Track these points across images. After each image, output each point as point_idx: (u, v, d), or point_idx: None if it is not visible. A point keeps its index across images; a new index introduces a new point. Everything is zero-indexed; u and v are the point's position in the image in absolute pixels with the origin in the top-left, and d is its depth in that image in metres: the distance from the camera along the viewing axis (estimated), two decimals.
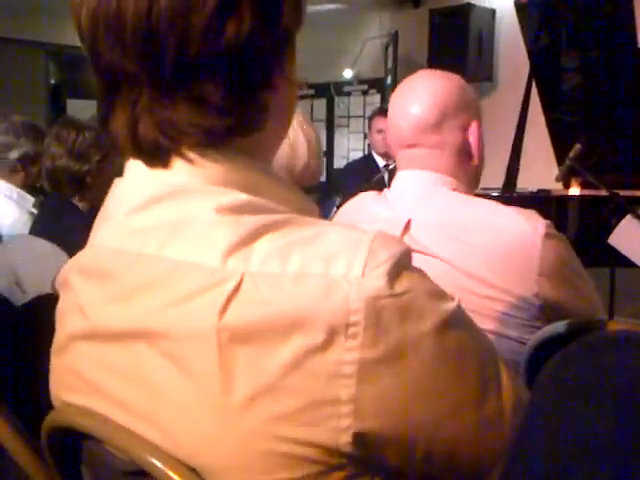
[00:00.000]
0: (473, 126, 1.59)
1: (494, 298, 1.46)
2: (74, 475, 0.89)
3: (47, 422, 0.87)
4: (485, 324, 1.43)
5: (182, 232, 0.75)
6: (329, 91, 7.66)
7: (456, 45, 6.01)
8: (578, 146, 3.49)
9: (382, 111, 5.54)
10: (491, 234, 1.48)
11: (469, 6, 6.07)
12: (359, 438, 0.70)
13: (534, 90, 4.28)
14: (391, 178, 1.72)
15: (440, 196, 1.56)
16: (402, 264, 0.72)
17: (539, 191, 4.27)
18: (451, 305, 0.75)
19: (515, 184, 4.18)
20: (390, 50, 6.76)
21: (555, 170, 3.84)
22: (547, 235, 1.46)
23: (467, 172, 1.62)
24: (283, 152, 1.64)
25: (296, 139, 1.73)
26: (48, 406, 0.88)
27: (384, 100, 6.96)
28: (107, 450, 0.81)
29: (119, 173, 0.85)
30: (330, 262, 0.70)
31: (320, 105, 7.66)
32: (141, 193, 0.79)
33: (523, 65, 4.40)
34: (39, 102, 7.37)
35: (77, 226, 2.12)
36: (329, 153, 7.48)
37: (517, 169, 4.19)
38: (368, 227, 0.76)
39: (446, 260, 1.48)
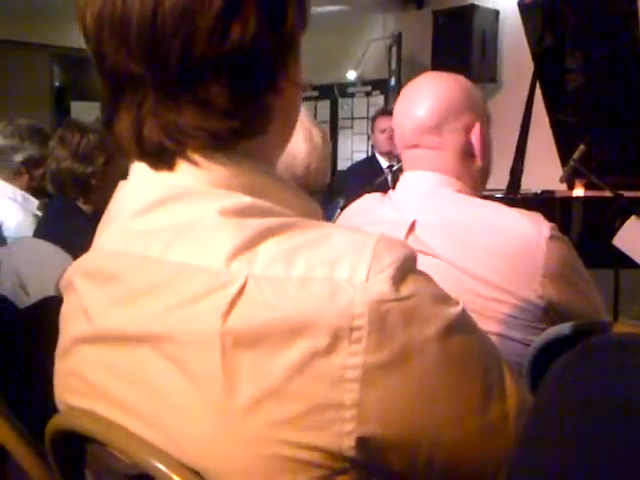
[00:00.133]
0: (476, 127, 1.59)
1: (498, 300, 1.46)
2: (78, 479, 0.89)
3: (51, 425, 0.87)
4: (489, 325, 1.43)
5: (186, 235, 0.75)
6: (333, 92, 7.65)
7: (460, 46, 6.01)
8: (582, 147, 3.49)
9: (385, 111, 5.55)
10: (495, 235, 1.48)
11: (473, 7, 6.07)
12: (362, 442, 0.69)
13: (538, 91, 4.27)
14: (394, 179, 1.72)
15: (444, 197, 1.57)
16: (406, 268, 0.71)
17: (543, 192, 4.26)
18: (456, 310, 0.74)
19: (519, 185, 4.17)
20: (394, 51, 6.76)
21: (559, 171, 3.84)
22: (552, 237, 1.47)
23: (471, 173, 1.62)
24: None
25: (295, 140, 1.72)
26: (52, 409, 0.88)
27: (388, 101, 6.96)
28: (110, 453, 0.81)
29: (123, 176, 0.85)
30: (334, 266, 0.70)
31: (324, 107, 7.66)
32: (146, 196, 0.79)
33: (527, 66, 4.39)
34: (43, 104, 7.38)
35: (81, 228, 2.11)
36: (332, 155, 7.48)
37: (521, 170, 4.18)
38: (373, 229, 0.76)
39: (450, 261, 1.48)
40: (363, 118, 7.34)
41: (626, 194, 3.44)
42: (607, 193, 3.48)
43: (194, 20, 0.71)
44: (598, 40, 4.17)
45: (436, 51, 6.15)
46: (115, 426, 0.78)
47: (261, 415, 0.69)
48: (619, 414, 0.61)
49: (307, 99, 7.38)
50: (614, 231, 2.98)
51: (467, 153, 1.60)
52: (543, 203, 4.05)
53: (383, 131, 5.26)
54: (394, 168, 4.68)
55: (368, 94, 7.47)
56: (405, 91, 1.66)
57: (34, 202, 2.97)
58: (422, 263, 0.75)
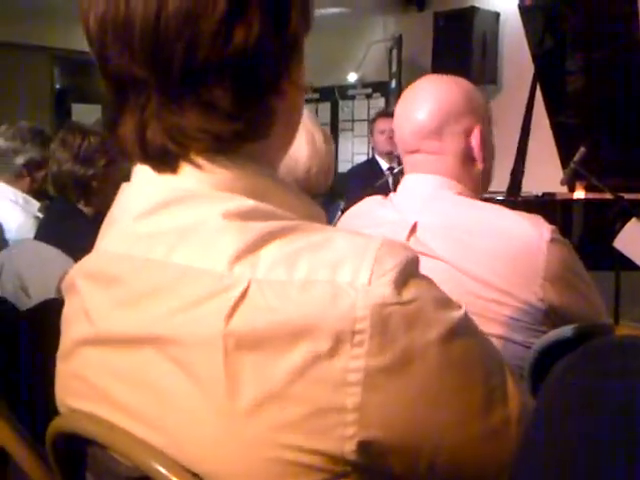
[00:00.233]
0: (476, 131, 1.59)
1: (499, 302, 1.46)
2: None
3: (52, 428, 0.87)
4: (490, 328, 1.44)
5: (189, 238, 0.75)
6: (333, 95, 7.66)
7: (460, 48, 6.01)
8: (583, 149, 3.49)
9: (384, 113, 5.57)
10: (496, 238, 1.48)
11: (473, 9, 6.07)
12: (364, 446, 0.69)
13: (538, 93, 4.27)
14: (395, 182, 1.73)
15: (445, 200, 1.57)
16: (408, 272, 0.71)
17: (544, 194, 4.27)
18: (458, 313, 0.74)
19: (520, 187, 4.18)
20: (394, 53, 6.76)
21: (560, 173, 3.84)
22: (552, 240, 1.47)
23: (472, 176, 1.62)
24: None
25: (297, 143, 1.71)
26: (53, 411, 0.88)
27: (388, 103, 6.96)
28: (111, 456, 0.81)
29: (125, 178, 0.85)
30: (337, 269, 0.70)
31: (324, 109, 7.66)
32: (149, 198, 0.79)
33: (527, 68, 4.40)
34: (44, 107, 7.39)
35: (82, 231, 2.12)
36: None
37: (522, 172, 4.18)
38: (375, 231, 0.76)
39: (451, 263, 1.48)
40: (364, 120, 7.34)
41: (626, 196, 3.44)
42: (608, 195, 3.48)
43: (197, 24, 0.71)
44: (598, 42, 4.17)
45: (437, 53, 6.16)
46: (116, 428, 0.78)
47: (263, 418, 0.69)
48: (621, 416, 0.61)
49: (308, 101, 7.37)
50: (615, 233, 2.98)
51: (467, 156, 1.60)
52: (544, 205, 4.05)
53: (383, 132, 5.27)
54: (395, 170, 4.69)
55: (369, 96, 7.48)
56: (406, 94, 1.66)
57: (35, 204, 2.98)
58: (423, 265, 0.75)
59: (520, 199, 4.07)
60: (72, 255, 1.96)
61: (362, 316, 0.68)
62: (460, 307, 0.75)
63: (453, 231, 1.51)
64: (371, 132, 5.61)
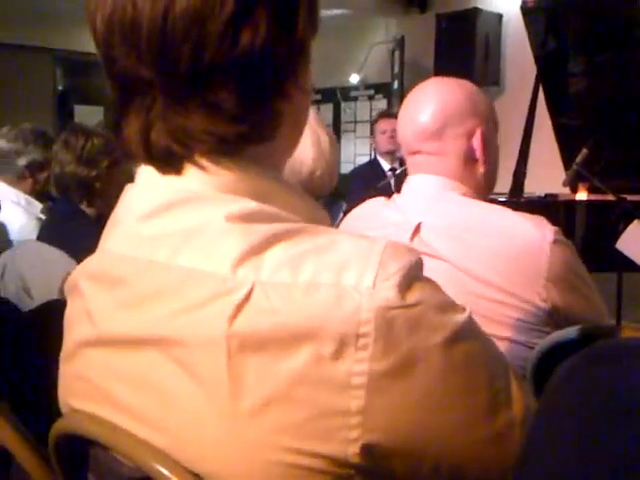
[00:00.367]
0: (478, 133, 1.59)
1: (503, 302, 1.47)
2: None
3: (55, 429, 0.87)
4: (493, 328, 1.44)
5: (193, 240, 0.75)
6: (335, 96, 7.66)
7: (463, 50, 6.01)
8: (585, 151, 3.48)
9: (385, 114, 5.60)
10: (500, 238, 1.49)
11: (476, 11, 6.07)
12: (367, 449, 0.69)
13: (541, 94, 4.27)
14: (397, 183, 1.73)
15: (449, 200, 1.57)
16: (413, 275, 0.71)
17: (546, 196, 4.26)
18: (462, 317, 0.74)
19: (522, 189, 4.17)
20: (397, 55, 6.76)
21: (562, 175, 3.84)
22: (555, 242, 1.47)
23: (475, 178, 1.62)
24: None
25: (302, 145, 1.71)
26: (56, 412, 0.88)
27: (390, 105, 6.96)
28: (114, 457, 0.81)
29: (128, 179, 0.85)
30: (341, 272, 0.70)
31: (326, 110, 7.67)
32: (152, 200, 0.79)
33: (530, 69, 4.39)
34: (46, 108, 7.40)
35: (85, 232, 2.12)
36: None
37: (524, 174, 4.18)
38: (379, 232, 0.76)
39: (455, 263, 1.48)
40: (366, 122, 7.34)
41: (629, 198, 3.43)
42: (610, 197, 3.47)
43: (204, 25, 0.71)
44: (601, 43, 4.16)
45: (439, 55, 6.16)
46: (119, 429, 0.78)
47: (266, 420, 0.69)
48: (624, 418, 0.61)
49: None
50: (617, 235, 2.98)
51: (470, 158, 1.60)
52: (546, 207, 4.05)
53: (384, 132, 5.29)
54: (397, 172, 4.69)
55: (371, 98, 7.48)
56: (409, 97, 1.67)
57: (38, 206, 2.98)
58: (427, 266, 0.75)
59: (522, 200, 4.07)
60: (75, 256, 1.96)
61: (366, 319, 0.68)
62: (464, 310, 0.75)
63: (457, 232, 1.52)
64: (372, 133, 5.62)
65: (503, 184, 4.06)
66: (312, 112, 0.98)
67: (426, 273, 0.75)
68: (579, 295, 1.52)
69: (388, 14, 7.12)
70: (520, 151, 4.19)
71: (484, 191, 1.67)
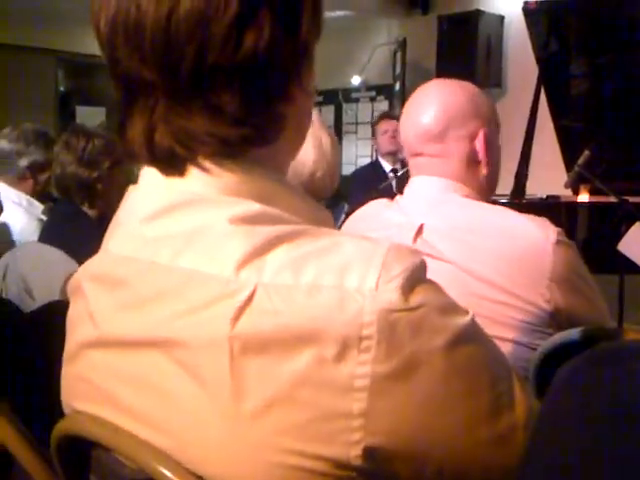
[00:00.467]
0: (480, 135, 1.59)
1: (506, 303, 1.47)
2: None
3: (57, 430, 0.87)
4: (496, 330, 1.44)
5: (196, 242, 0.75)
6: (337, 98, 7.66)
7: (465, 51, 6.01)
8: (587, 152, 3.49)
9: (386, 115, 5.62)
10: (503, 239, 1.49)
11: (478, 12, 6.07)
12: (369, 452, 0.69)
13: (543, 96, 4.27)
14: (399, 184, 1.74)
15: (452, 202, 1.57)
16: (416, 278, 0.71)
17: (548, 197, 4.26)
18: (465, 319, 0.74)
19: (524, 190, 4.17)
20: (398, 56, 6.77)
21: (564, 176, 3.84)
22: (558, 242, 1.47)
23: (477, 180, 1.63)
24: None
25: (304, 147, 1.71)
26: (58, 414, 0.88)
27: (392, 106, 6.97)
28: (116, 458, 0.81)
29: (129, 180, 0.85)
30: (344, 274, 0.70)
31: (328, 112, 7.67)
32: (155, 201, 0.79)
33: (532, 71, 4.39)
34: (48, 109, 7.40)
35: (86, 233, 2.12)
36: None
37: (526, 175, 4.17)
38: (381, 233, 0.76)
39: (458, 264, 1.48)
40: (367, 123, 7.34)
41: (631, 199, 3.43)
42: (612, 198, 3.47)
43: (208, 27, 0.71)
44: (603, 45, 4.16)
45: (441, 56, 6.16)
46: (121, 431, 0.78)
47: (268, 421, 0.69)
48: (627, 420, 0.61)
49: None
50: (619, 237, 2.97)
51: (472, 160, 1.61)
52: (548, 208, 4.05)
53: (385, 132, 5.30)
54: (399, 173, 4.69)
55: (373, 99, 7.49)
56: (411, 99, 1.67)
57: (39, 207, 2.98)
58: (430, 267, 0.75)
59: (524, 202, 4.07)
60: (76, 257, 1.96)
61: (369, 322, 0.68)
62: (467, 313, 0.75)
63: (460, 233, 1.52)
64: (374, 134, 5.63)
65: (505, 186, 4.05)
66: (314, 113, 0.98)
67: (429, 275, 0.74)
68: (582, 296, 1.53)
69: (390, 16, 7.12)
70: (522, 153, 4.19)
71: (486, 192, 1.67)
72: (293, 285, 0.69)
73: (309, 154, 1.70)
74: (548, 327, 1.48)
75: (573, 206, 3.96)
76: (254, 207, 0.75)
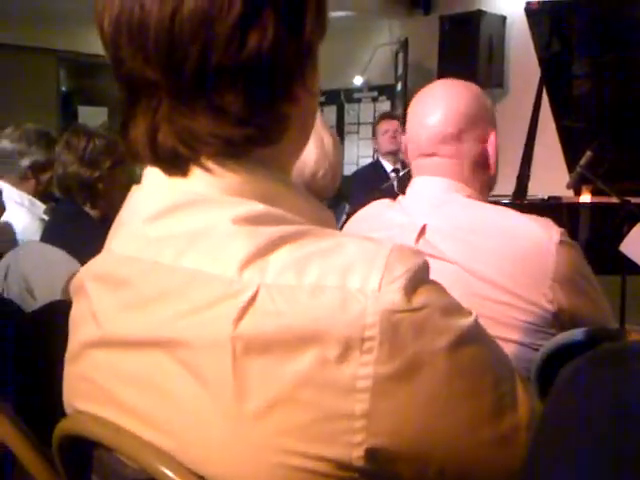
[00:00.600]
0: (492, 137, 1.60)
1: (508, 304, 1.46)
2: None
3: (58, 430, 0.87)
4: (499, 330, 1.43)
5: (199, 242, 0.75)
6: (339, 98, 7.67)
7: (466, 52, 6.01)
8: (589, 153, 3.48)
9: (387, 115, 5.62)
10: (505, 239, 1.49)
11: (479, 13, 6.07)
12: (372, 453, 0.69)
13: (545, 97, 4.27)
14: (400, 184, 1.73)
15: (454, 202, 1.57)
16: (418, 278, 0.71)
17: (550, 198, 4.26)
18: (467, 320, 0.74)
19: (526, 191, 4.17)
20: (400, 57, 6.77)
21: (566, 177, 3.83)
22: (561, 243, 1.47)
23: (481, 180, 1.64)
24: None
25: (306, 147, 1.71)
26: (60, 413, 0.88)
27: (394, 106, 6.97)
28: (118, 459, 0.81)
29: (130, 180, 0.85)
30: (346, 275, 0.69)
31: (330, 112, 7.67)
32: (159, 201, 0.79)
33: (534, 72, 4.39)
34: (50, 109, 7.41)
35: (88, 233, 2.12)
36: None
37: (528, 176, 4.17)
38: (383, 234, 0.76)
39: (461, 265, 1.48)
40: (369, 123, 7.35)
41: (633, 200, 3.43)
42: (614, 199, 3.47)
43: (212, 27, 0.71)
44: (605, 46, 4.16)
45: (442, 57, 6.16)
46: (123, 431, 0.78)
47: (270, 422, 0.69)
48: (629, 421, 0.60)
49: None
50: (621, 237, 2.97)
51: (480, 161, 1.61)
52: (550, 209, 4.04)
53: (386, 132, 5.30)
54: (400, 174, 4.69)
55: (374, 99, 7.49)
56: (419, 99, 1.66)
57: (40, 206, 2.98)
58: (433, 267, 0.75)
59: (526, 202, 4.07)
60: (78, 257, 1.97)
61: (372, 323, 0.68)
62: (470, 313, 0.75)
63: (462, 233, 1.52)
64: (374, 134, 5.63)
65: (507, 186, 4.06)
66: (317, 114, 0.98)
67: (432, 275, 0.74)
68: (585, 297, 1.52)
69: (392, 16, 7.12)
70: (524, 153, 4.19)
71: (487, 193, 1.68)
72: (296, 286, 0.69)
73: (311, 154, 1.70)
74: (551, 327, 1.48)
75: (575, 207, 3.96)
76: (257, 207, 0.75)
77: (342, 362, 0.68)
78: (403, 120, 5.03)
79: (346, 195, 3.93)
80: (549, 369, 1.37)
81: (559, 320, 1.48)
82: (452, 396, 0.72)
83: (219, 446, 0.71)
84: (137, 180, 0.84)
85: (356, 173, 5.89)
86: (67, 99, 7.78)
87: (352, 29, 6.97)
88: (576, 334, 1.36)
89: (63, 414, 0.88)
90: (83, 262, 0.88)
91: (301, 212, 0.79)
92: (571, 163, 3.98)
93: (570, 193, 4.06)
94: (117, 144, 2.41)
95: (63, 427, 0.86)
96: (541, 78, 4.26)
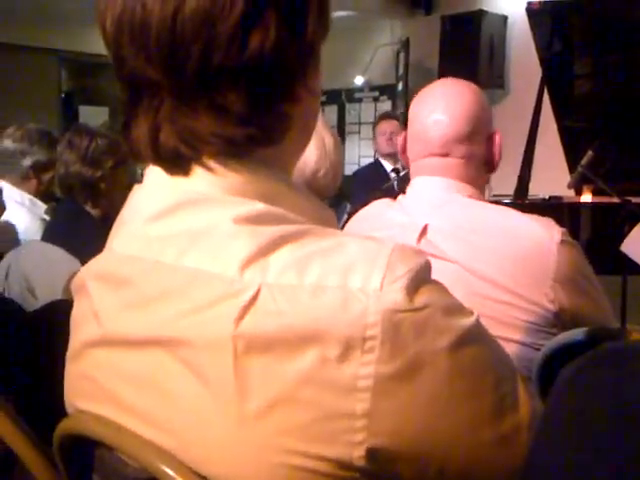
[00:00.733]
0: (498, 137, 1.60)
1: (510, 303, 1.46)
2: None
3: (60, 429, 0.87)
4: (500, 330, 1.43)
5: (200, 241, 0.75)
6: (340, 98, 7.66)
7: (468, 52, 6.01)
8: (590, 153, 3.48)
9: (386, 115, 5.62)
10: (507, 239, 1.49)
11: (481, 12, 6.07)
12: (372, 453, 0.69)
13: (546, 97, 4.27)
14: (400, 184, 1.73)
15: (456, 202, 1.57)
16: (420, 278, 0.71)
17: (551, 198, 4.26)
18: (469, 320, 0.74)
19: (527, 191, 4.17)
20: (401, 57, 6.77)
21: (567, 177, 3.84)
22: (563, 242, 1.47)
23: (481, 179, 1.64)
24: None
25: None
26: (61, 413, 0.88)
27: (395, 107, 6.97)
28: (119, 458, 0.81)
29: (132, 180, 0.85)
30: (348, 274, 0.69)
31: (331, 112, 7.66)
32: (160, 201, 0.79)
33: (535, 72, 4.39)
34: (51, 109, 7.41)
35: (89, 232, 2.13)
36: None
37: (529, 176, 4.17)
38: (384, 234, 0.76)
39: (462, 264, 1.48)
40: (370, 123, 7.33)
41: (634, 200, 3.43)
42: (615, 199, 3.47)
43: (214, 26, 0.71)
44: (607, 46, 4.16)
45: (444, 57, 6.16)
46: (124, 430, 0.78)
47: (272, 421, 0.69)
48: (629, 421, 0.60)
49: None
50: (622, 237, 2.97)
51: (486, 162, 1.62)
52: (551, 209, 4.04)
53: (384, 133, 5.30)
54: (401, 174, 4.69)
55: (375, 99, 7.49)
56: (426, 99, 1.64)
57: (41, 206, 2.98)
58: (434, 267, 0.75)
59: (527, 202, 4.07)
60: (79, 257, 1.97)
61: (373, 322, 0.68)
62: (472, 313, 0.75)
63: (464, 233, 1.52)
64: (373, 135, 5.63)
65: (508, 186, 4.06)
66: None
67: (433, 275, 0.74)
68: (586, 296, 1.52)
69: (393, 16, 7.12)
70: (525, 153, 4.19)
71: (484, 192, 1.68)
72: (297, 285, 0.69)
73: (312, 154, 1.70)
74: (552, 327, 1.48)
75: (576, 207, 3.96)
76: (259, 207, 0.75)
77: (343, 361, 0.68)
78: (404, 119, 5.04)
79: (347, 195, 3.94)
80: (550, 369, 1.37)
81: (560, 320, 1.48)
82: (453, 396, 0.72)
83: (220, 445, 0.71)
84: (139, 180, 0.85)
85: (356, 173, 5.89)
86: (68, 99, 7.78)
87: (353, 29, 6.97)
88: (577, 334, 1.36)
89: (64, 413, 0.88)
90: (84, 261, 0.88)
91: (302, 212, 0.79)
92: (572, 163, 3.98)
93: (571, 193, 4.06)
94: (119, 144, 2.41)
95: (64, 426, 0.86)
96: (542, 78, 4.25)
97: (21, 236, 2.83)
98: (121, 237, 0.84)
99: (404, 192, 1.67)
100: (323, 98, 7.49)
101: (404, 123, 1.73)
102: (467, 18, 6.10)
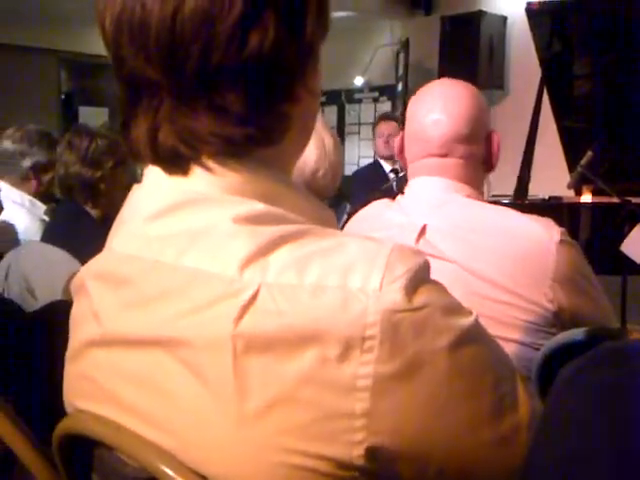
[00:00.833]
0: (497, 137, 1.60)
1: (509, 303, 1.46)
2: None
3: (59, 429, 0.87)
4: (499, 330, 1.43)
5: (200, 241, 0.75)
6: (340, 98, 7.67)
7: (467, 52, 6.01)
8: (590, 153, 3.48)
9: (385, 116, 5.61)
10: (506, 238, 1.49)
11: (480, 13, 6.07)
12: (372, 452, 0.69)
13: (545, 97, 4.27)
14: (399, 184, 1.73)
15: (454, 202, 1.57)
16: (419, 278, 0.71)
17: (550, 198, 4.26)
18: (468, 320, 0.74)
19: (526, 191, 4.17)
20: (401, 57, 6.77)
21: (567, 177, 3.83)
22: (562, 242, 1.47)
23: (479, 180, 1.64)
24: None
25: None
26: (60, 413, 0.88)
27: (395, 107, 6.97)
28: (118, 458, 0.81)
29: (132, 180, 0.85)
30: (347, 274, 0.70)
31: (331, 112, 7.67)
32: (159, 200, 0.79)
33: (535, 72, 4.39)
34: (51, 109, 7.42)
35: (89, 233, 2.12)
36: None
37: (528, 176, 4.17)
38: (383, 234, 0.76)
39: (461, 264, 1.48)
40: (370, 124, 7.33)
41: (634, 200, 3.43)
42: (615, 199, 3.47)
43: (213, 26, 0.71)
44: (606, 46, 4.16)
45: (443, 57, 6.16)
46: (124, 430, 0.78)
47: (271, 421, 0.69)
48: (631, 420, 0.60)
49: None
50: (622, 237, 2.97)
51: (484, 162, 1.62)
52: (550, 209, 4.04)
53: (382, 135, 5.30)
54: (400, 174, 4.69)
55: (375, 100, 7.49)
56: (424, 98, 1.63)
57: (41, 207, 2.98)
58: (433, 267, 0.75)
59: (527, 202, 4.06)
60: (79, 257, 1.96)
61: (372, 322, 0.68)
62: (471, 313, 0.75)
63: (462, 233, 1.52)
64: (373, 136, 5.64)
65: (507, 186, 4.06)
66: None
67: (432, 275, 0.74)
68: (586, 296, 1.52)
69: (393, 16, 7.12)
70: (524, 153, 4.19)
71: (482, 192, 1.68)
72: (297, 285, 0.69)
73: (311, 154, 1.70)
74: (551, 327, 1.48)
75: (576, 207, 3.95)
76: (258, 207, 0.76)
77: (343, 361, 0.68)
78: (403, 120, 5.03)
79: (347, 195, 3.94)
80: (550, 368, 1.37)
81: (560, 319, 1.48)
82: (452, 396, 0.72)
83: (220, 445, 0.71)
84: (139, 179, 0.85)
85: (356, 173, 5.89)
86: (68, 99, 7.79)
87: (353, 29, 6.97)
88: (577, 333, 1.36)
89: (64, 413, 0.88)
90: (84, 262, 0.88)
91: (302, 212, 0.79)
92: (572, 163, 3.97)
93: (571, 193, 4.06)
94: (119, 144, 2.41)
95: (64, 426, 0.86)
96: (542, 78, 4.25)
97: (21, 237, 2.83)
98: (121, 236, 0.84)
99: (403, 192, 1.67)
100: (323, 98, 7.47)
101: (403, 124, 1.72)
102: (467, 19, 6.10)
